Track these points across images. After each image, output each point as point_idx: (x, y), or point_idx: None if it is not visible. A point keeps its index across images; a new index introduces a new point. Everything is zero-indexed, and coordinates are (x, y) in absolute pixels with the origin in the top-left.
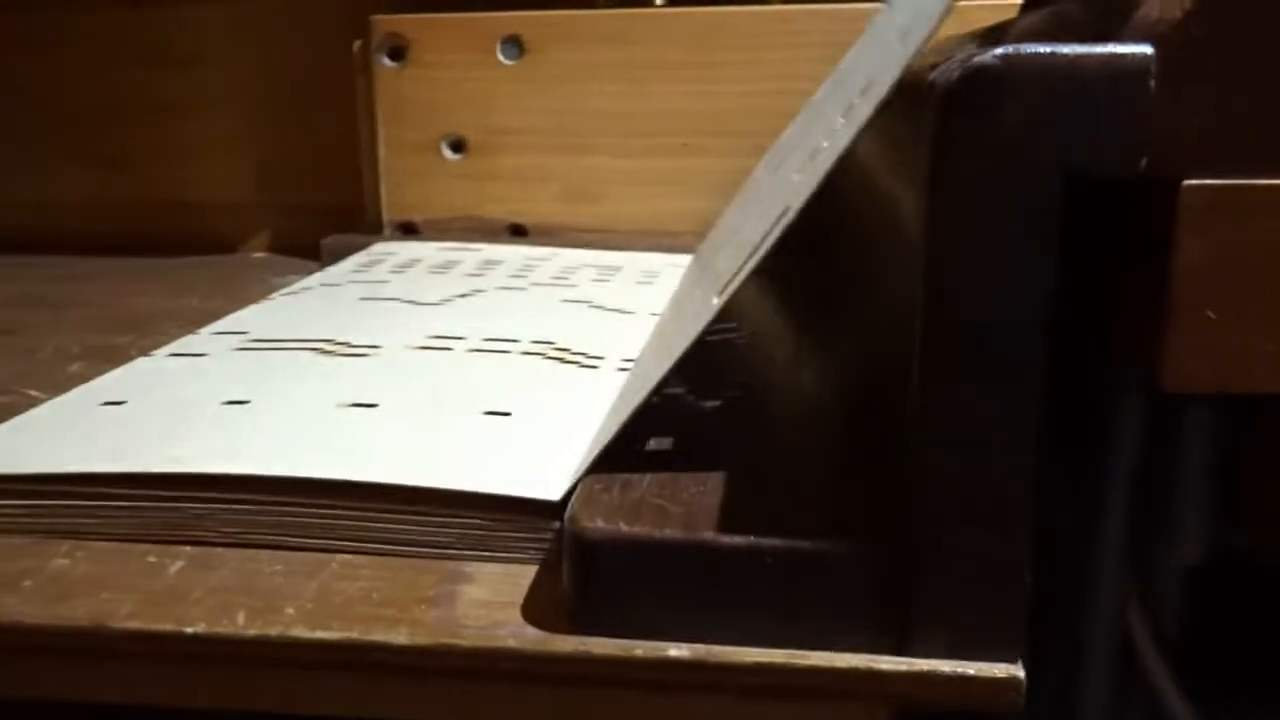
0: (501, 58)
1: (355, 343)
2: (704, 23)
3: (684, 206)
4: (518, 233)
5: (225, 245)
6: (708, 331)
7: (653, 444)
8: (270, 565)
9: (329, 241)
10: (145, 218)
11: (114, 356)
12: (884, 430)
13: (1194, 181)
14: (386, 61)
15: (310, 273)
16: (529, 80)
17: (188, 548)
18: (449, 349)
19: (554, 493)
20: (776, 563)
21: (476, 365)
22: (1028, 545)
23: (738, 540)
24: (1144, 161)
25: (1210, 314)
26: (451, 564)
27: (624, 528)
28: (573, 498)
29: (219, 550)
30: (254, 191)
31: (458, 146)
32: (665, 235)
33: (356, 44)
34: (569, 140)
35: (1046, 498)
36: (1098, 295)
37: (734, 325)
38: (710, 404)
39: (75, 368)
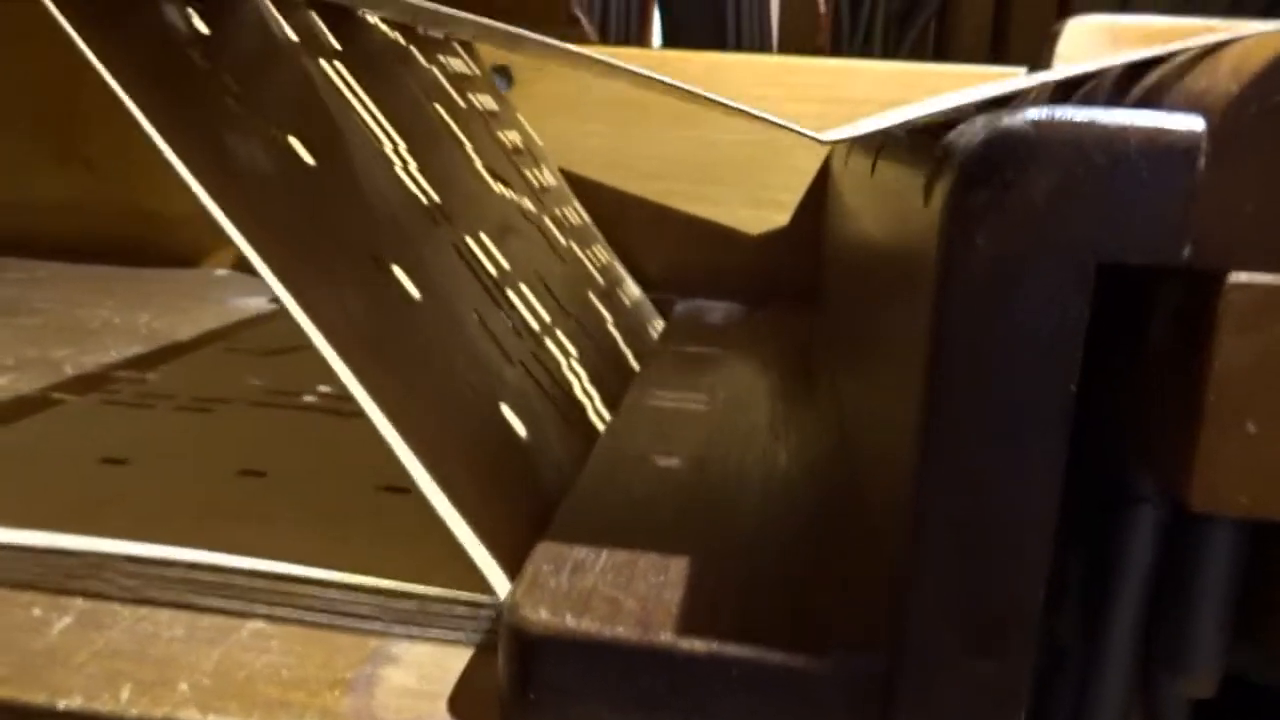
0: None
1: None
2: (701, 67)
3: (664, 258)
4: None
5: (192, 257)
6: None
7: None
8: (170, 628)
9: None
10: (115, 223)
11: (47, 371)
12: (874, 527)
13: (1242, 276)
14: None
15: (269, 295)
16: (518, 112)
17: (80, 600)
18: None
19: None
20: (742, 675)
21: None
22: (1028, 673)
23: (699, 646)
24: (1187, 250)
25: (1251, 427)
26: (377, 640)
27: (570, 622)
28: (516, 582)
29: (115, 606)
30: None
31: None
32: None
33: None
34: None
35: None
36: (1117, 389)
37: (700, 395)
38: (671, 465)
39: (3, 380)
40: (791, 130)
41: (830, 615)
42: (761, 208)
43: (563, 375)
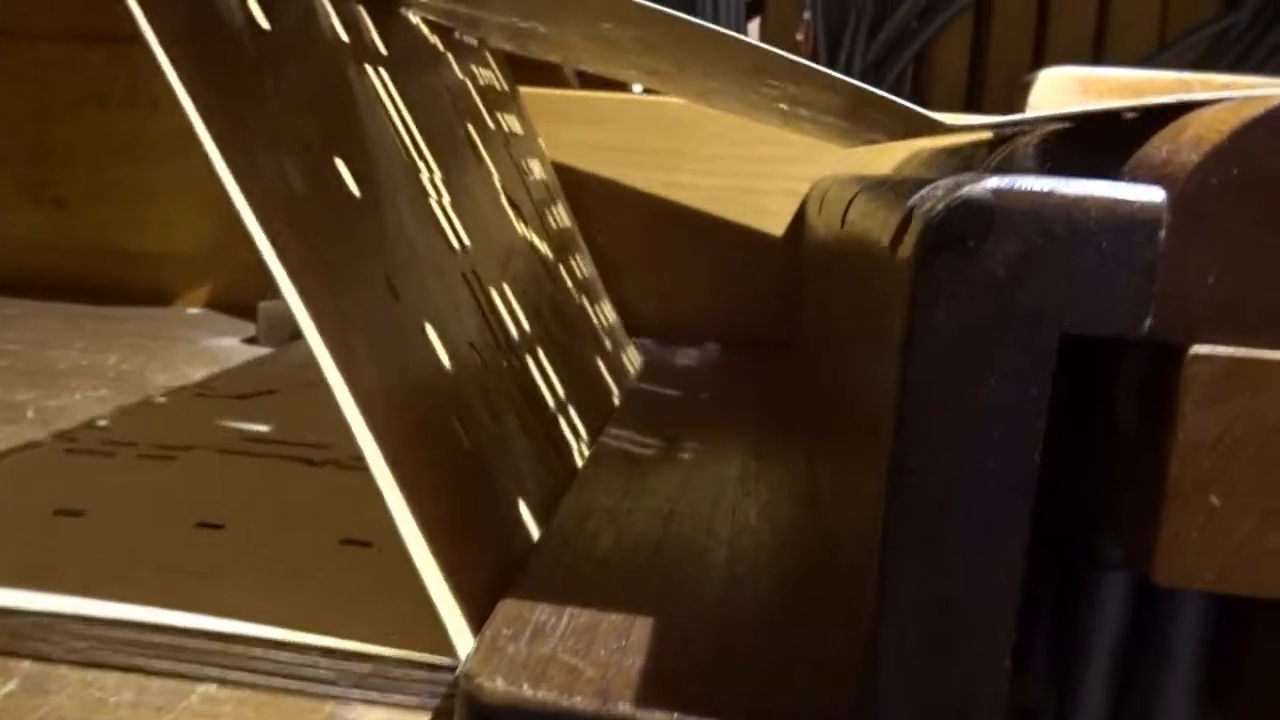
0: None
1: None
2: (679, 111)
3: (654, 299)
4: None
5: (165, 296)
6: None
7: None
8: (119, 693)
9: (266, 306)
10: (87, 261)
11: (9, 415)
12: (842, 595)
13: (1203, 349)
14: None
15: (242, 333)
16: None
17: (27, 664)
18: None
19: None
20: None
21: None
22: None
23: (659, 718)
24: (1149, 322)
25: (1214, 500)
26: (332, 705)
27: (527, 691)
28: (474, 647)
29: (62, 669)
30: (199, 243)
31: None
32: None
33: None
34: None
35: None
36: (1086, 458)
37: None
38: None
39: None
40: (918, 113)
41: (796, 691)
42: (740, 251)
43: (549, 415)
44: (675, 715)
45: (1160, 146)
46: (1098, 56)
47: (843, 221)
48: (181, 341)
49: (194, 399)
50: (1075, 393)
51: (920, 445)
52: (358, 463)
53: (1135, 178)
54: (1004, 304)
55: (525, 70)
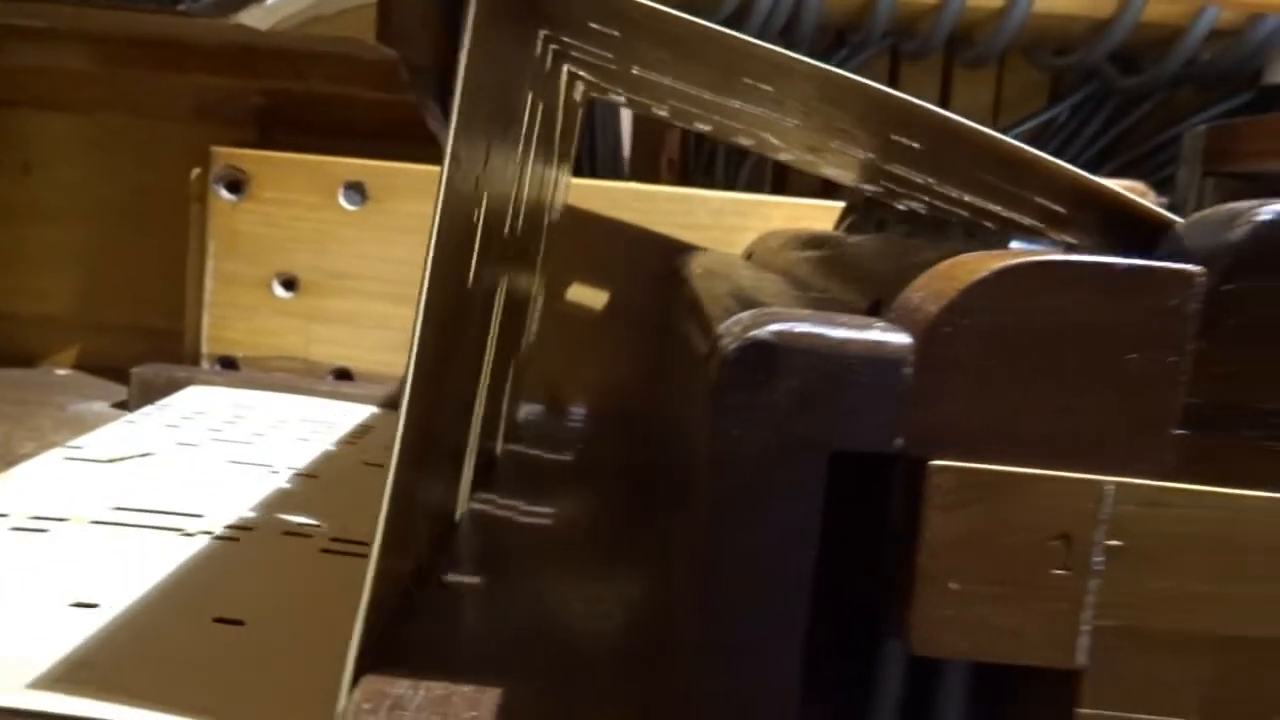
0: (343, 202)
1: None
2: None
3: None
4: (343, 376)
5: (32, 359)
6: None
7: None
8: None
9: (140, 370)
10: None
11: None
12: (675, 669)
13: (942, 463)
14: (224, 193)
15: (112, 398)
16: (369, 228)
17: None
18: None
19: None
20: None
21: None
22: None
23: None
24: (899, 441)
25: (955, 586)
26: None
27: None
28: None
29: None
30: (68, 306)
31: (290, 284)
32: None
33: (195, 172)
34: (404, 290)
35: None
36: (865, 558)
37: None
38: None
39: None
40: None
41: None
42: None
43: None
44: None
45: (915, 293)
46: None
47: (688, 313)
48: (49, 407)
49: (65, 464)
50: (861, 498)
51: (722, 553)
52: (231, 533)
53: (898, 316)
54: (787, 428)
55: None
